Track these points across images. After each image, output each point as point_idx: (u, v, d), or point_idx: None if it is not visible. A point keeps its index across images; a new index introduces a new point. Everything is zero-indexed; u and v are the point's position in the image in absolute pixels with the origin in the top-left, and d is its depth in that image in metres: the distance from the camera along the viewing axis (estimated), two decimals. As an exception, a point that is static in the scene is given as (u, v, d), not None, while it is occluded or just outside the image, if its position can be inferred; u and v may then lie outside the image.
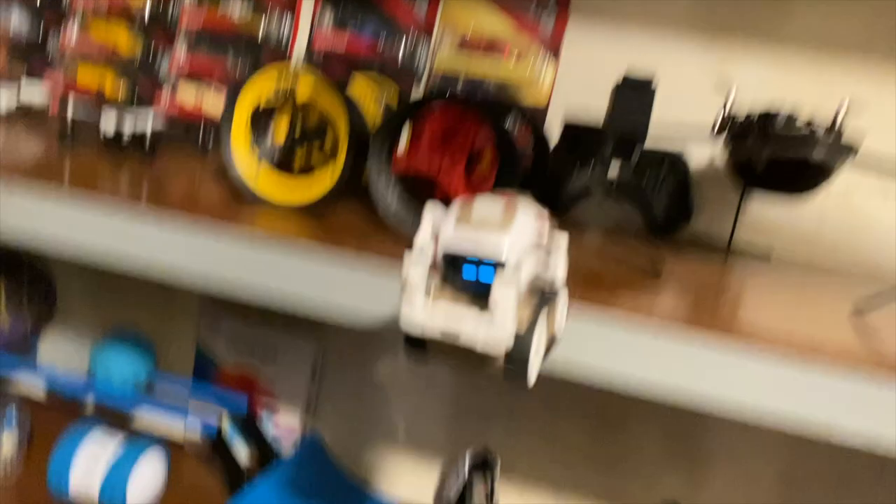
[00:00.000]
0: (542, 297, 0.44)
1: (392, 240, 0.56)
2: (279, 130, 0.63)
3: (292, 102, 0.62)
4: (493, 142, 0.59)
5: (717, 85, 0.68)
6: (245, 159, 0.62)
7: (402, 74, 0.84)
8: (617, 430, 0.86)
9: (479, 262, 0.41)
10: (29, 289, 0.89)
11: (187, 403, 0.88)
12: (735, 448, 0.83)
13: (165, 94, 0.89)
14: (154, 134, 0.75)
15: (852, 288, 0.63)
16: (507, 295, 0.40)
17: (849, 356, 0.44)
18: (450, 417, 0.93)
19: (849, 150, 0.57)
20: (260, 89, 0.61)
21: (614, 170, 0.70)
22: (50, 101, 0.88)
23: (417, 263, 0.42)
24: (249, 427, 0.89)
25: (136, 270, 0.54)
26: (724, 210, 0.75)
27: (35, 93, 0.87)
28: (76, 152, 0.72)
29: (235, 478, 0.86)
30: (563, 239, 0.47)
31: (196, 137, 0.85)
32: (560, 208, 0.73)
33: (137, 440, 0.84)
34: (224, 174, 0.63)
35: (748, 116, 0.62)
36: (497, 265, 0.41)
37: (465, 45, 0.82)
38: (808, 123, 0.58)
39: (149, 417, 0.99)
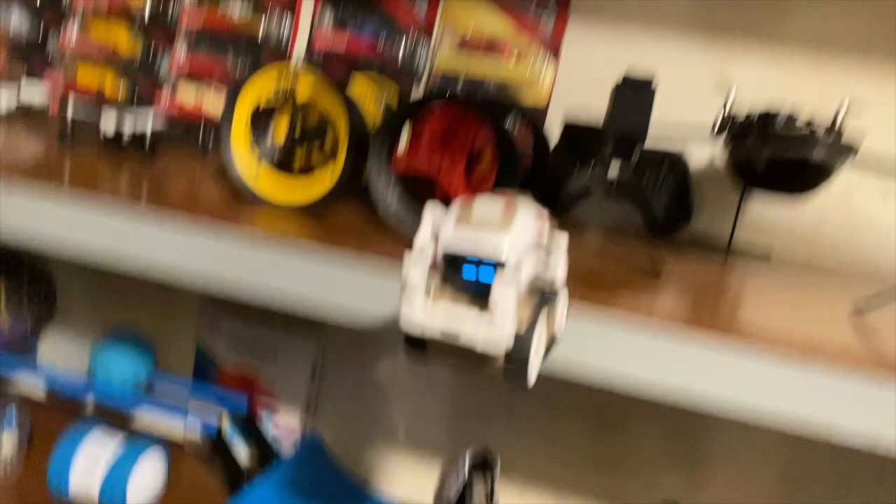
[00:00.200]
0: (542, 297, 0.44)
1: (392, 240, 0.56)
2: (279, 130, 0.63)
3: (292, 102, 0.62)
4: (493, 142, 0.60)
5: (717, 85, 0.68)
6: (245, 159, 0.62)
7: (402, 74, 0.84)
8: (617, 431, 0.86)
9: (479, 263, 0.41)
10: (29, 289, 0.89)
11: (187, 403, 0.88)
12: (735, 448, 0.83)
13: (165, 94, 0.89)
14: (154, 134, 0.75)
15: (852, 288, 0.63)
16: (507, 295, 0.40)
17: (849, 356, 0.44)
18: (450, 417, 0.93)
19: (849, 150, 0.57)
20: (260, 89, 0.61)
21: (614, 170, 0.70)
22: (50, 101, 0.88)
23: (417, 263, 0.42)
24: (249, 427, 0.89)
25: (136, 270, 0.54)
26: (724, 210, 0.75)
27: (35, 93, 0.87)
28: (76, 152, 0.72)
29: (235, 478, 0.86)
30: (563, 239, 0.47)
31: (196, 137, 0.85)
32: (560, 208, 0.73)
33: (137, 440, 0.84)
34: (224, 174, 0.63)
35: (748, 116, 0.62)
36: (497, 265, 0.41)
37: (465, 45, 0.82)
38: (808, 123, 0.58)
39: (149, 417, 0.99)
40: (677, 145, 0.70)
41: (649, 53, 0.78)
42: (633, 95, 0.68)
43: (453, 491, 0.85)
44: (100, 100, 0.81)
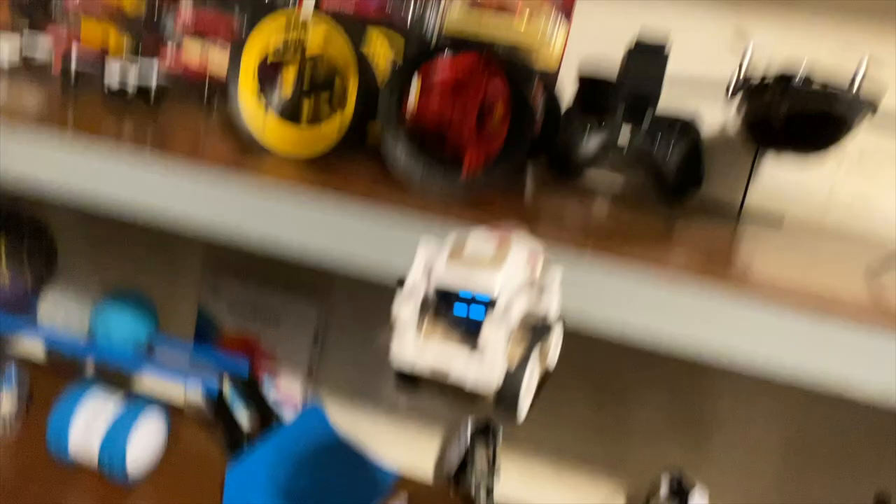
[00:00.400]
0: (534, 333, 0.44)
1: (400, 192, 0.55)
2: (287, 81, 0.62)
3: (301, 54, 0.61)
4: (506, 95, 0.58)
5: (734, 45, 0.67)
6: (252, 110, 0.61)
7: (412, 36, 0.83)
8: (620, 399, 0.86)
9: (471, 300, 0.42)
10: (29, 247, 0.88)
11: (188, 366, 0.87)
12: (738, 416, 0.82)
13: (170, 51, 0.88)
14: (158, 87, 0.74)
15: (865, 253, 0.62)
16: (496, 336, 0.41)
17: (863, 312, 0.43)
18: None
19: (869, 106, 0.56)
20: (268, 38, 0.60)
21: (625, 135, 0.69)
22: (52, 56, 0.86)
23: (408, 301, 0.43)
24: (250, 391, 0.88)
25: (140, 217, 0.53)
26: (736, 176, 0.74)
27: (38, 47, 0.85)
28: (79, 103, 0.71)
29: (236, 440, 0.86)
30: (557, 273, 0.47)
31: (201, 95, 0.83)
32: (571, 174, 0.72)
33: (137, 400, 0.83)
34: (230, 127, 0.62)
35: (764, 78, 0.61)
36: (488, 304, 0.41)
37: (476, 4, 0.81)
38: (826, 84, 0.57)
39: (149, 379, 0.99)
40: (689, 110, 0.69)
41: (663, 16, 0.76)
42: (646, 59, 0.67)
43: (455, 457, 0.85)
44: (103, 56, 0.80)
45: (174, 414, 0.90)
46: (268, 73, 0.62)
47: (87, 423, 0.80)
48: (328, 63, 0.61)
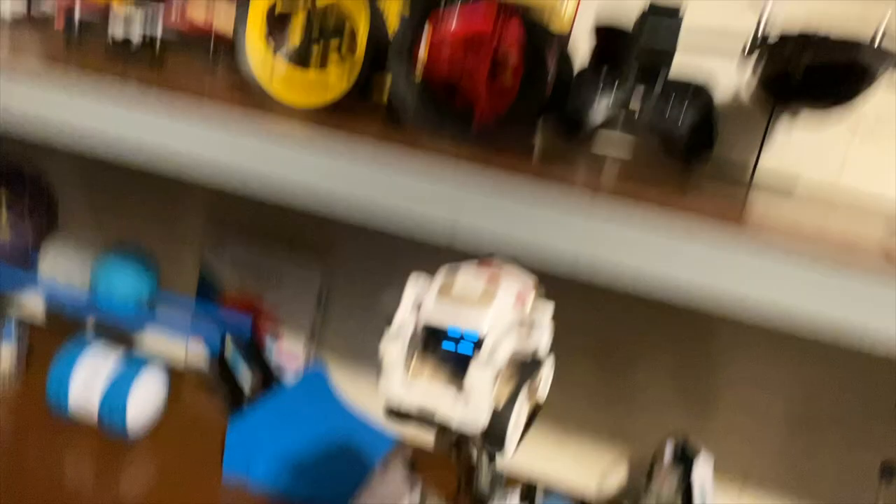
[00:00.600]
0: (523, 370, 0.44)
1: (410, 141, 0.54)
2: (296, 29, 0.61)
3: (312, 2, 0.59)
4: (520, 47, 0.57)
5: (752, 2, 0.66)
6: (260, 57, 0.60)
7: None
8: (624, 365, 0.85)
9: (459, 338, 0.42)
10: (31, 202, 0.87)
11: (190, 324, 0.86)
12: (744, 384, 0.81)
13: (176, 9, 0.86)
14: (164, 40, 0.72)
15: (880, 220, 0.61)
16: (482, 379, 0.41)
17: (878, 262, 0.42)
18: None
19: (893, 58, 0.54)
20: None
21: (637, 97, 0.68)
22: (56, 8, 0.85)
23: (395, 340, 0.44)
24: (252, 351, 0.88)
25: (142, 160, 0.52)
26: (748, 142, 0.73)
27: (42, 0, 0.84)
28: (83, 54, 0.70)
29: (237, 400, 0.85)
30: (548, 308, 0.48)
31: (207, 52, 0.82)
32: (581, 135, 0.71)
33: (138, 356, 0.83)
34: (237, 78, 0.61)
35: (782, 36, 0.59)
36: (476, 343, 0.41)
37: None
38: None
39: (150, 338, 0.98)
40: (703, 73, 0.68)
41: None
42: (660, 22, 0.66)
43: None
44: (108, 8, 0.78)
45: (175, 374, 0.89)
46: (276, 21, 0.60)
47: (87, 379, 0.79)
48: (338, 11, 0.60)
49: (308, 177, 0.49)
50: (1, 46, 0.69)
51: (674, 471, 0.76)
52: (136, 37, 0.70)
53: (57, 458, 0.78)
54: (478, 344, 0.42)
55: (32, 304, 1.03)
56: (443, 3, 0.57)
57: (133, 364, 0.81)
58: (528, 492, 0.71)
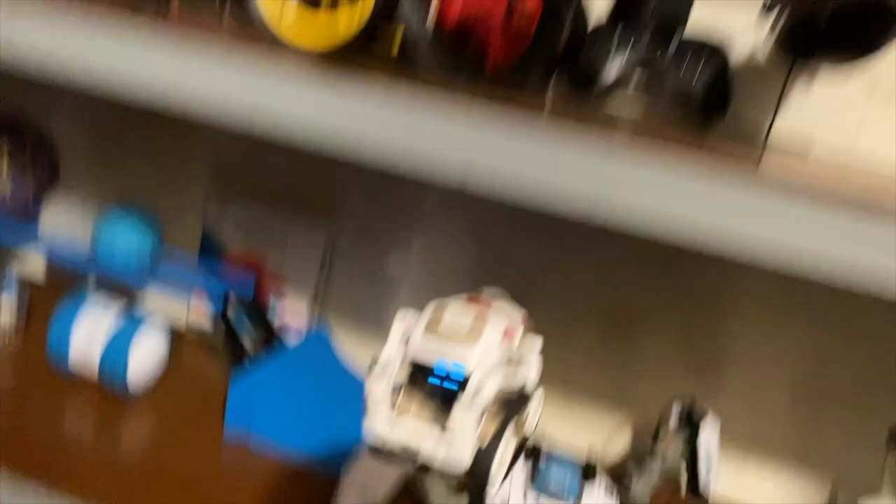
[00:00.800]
0: (510, 408, 0.44)
1: (421, 83, 0.53)
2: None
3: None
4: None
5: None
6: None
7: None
8: (631, 332, 0.84)
9: (445, 375, 0.42)
10: (32, 155, 0.86)
11: (192, 282, 0.85)
12: (752, 347, 0.81)
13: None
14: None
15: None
16: (466, 420, 0.41)
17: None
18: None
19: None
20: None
21: (652, 56, 0.67)
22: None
23: (381, 379, 0.44)
24: (255, 311, 0.87)
25: (143, 97, 0.51)
26: (764, 106, 0.72)
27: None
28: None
29: (239, 359, 0.84)
30: (536, 343, 0.48)
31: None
32: (594, 93, 0.70)
33: (139, 311, 0.82)
34: (244, 22, 0.60)
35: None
36: (461, 382, 0.42)
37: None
38: None
39: (152, 295, 0.97)
40: (718, 35, 0.67)
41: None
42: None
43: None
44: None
45: (176, 331, 0.89)
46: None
47: (88, 333, 0.78)
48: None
49: (318, 116, 0.48)
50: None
51: (679, 434, 0.75)
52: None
53: (58, 413, 0.77)
54: (463, 382, 0.42)
55: (33, 261, 1.02)
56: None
57: (134, 319, 0.80)
58: (533, 452, 0.71)
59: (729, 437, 0.79)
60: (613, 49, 0.67)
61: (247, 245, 0.93)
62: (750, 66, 0.73)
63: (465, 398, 0.42)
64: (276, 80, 0.48)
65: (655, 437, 0.76)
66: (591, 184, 0.44)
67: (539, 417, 0.50)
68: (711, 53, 0.68)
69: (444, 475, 0.46)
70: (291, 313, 0.93)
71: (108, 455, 0.73)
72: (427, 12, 0.55)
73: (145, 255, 0.83)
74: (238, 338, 0.85)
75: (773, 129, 0.70)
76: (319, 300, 0.93)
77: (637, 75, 0.72)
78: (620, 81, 0.68)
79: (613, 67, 0.68)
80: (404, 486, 0.66)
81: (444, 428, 0.43)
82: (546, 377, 0.88)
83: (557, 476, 0.67)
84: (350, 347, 0.91)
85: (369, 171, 0.87)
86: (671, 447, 0.75)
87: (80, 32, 0.51)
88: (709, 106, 0.69)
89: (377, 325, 0.93)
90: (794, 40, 0.61)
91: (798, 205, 0.41)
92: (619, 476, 0.75)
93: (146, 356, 0.79)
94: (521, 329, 0.48)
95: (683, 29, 0.66)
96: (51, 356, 0.80)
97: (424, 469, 0.46)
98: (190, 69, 0.50)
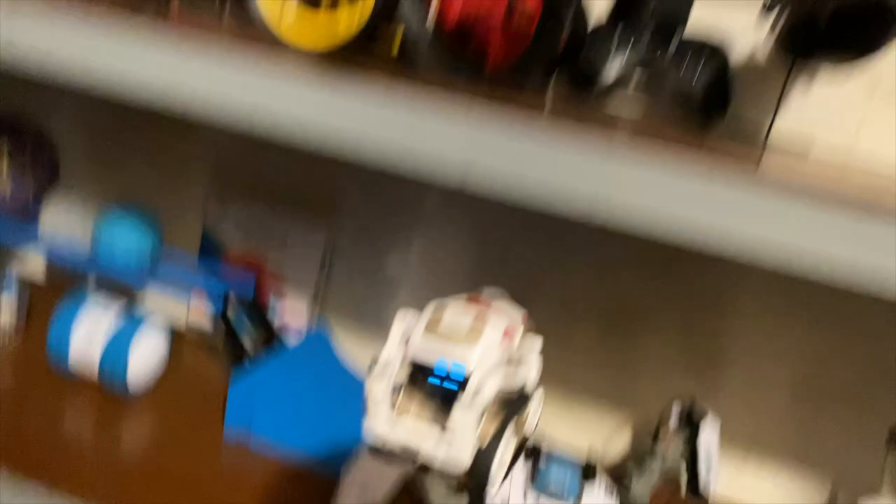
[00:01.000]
0: (510, 407, 0.44)
1: (421, 83, 0.53)
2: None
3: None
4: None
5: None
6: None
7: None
8: (631, 332, 0.84)
9: (444, 376, 0.43)
10: (32, 155, 0.86)
11: (192, 282, 0.85)
12: (752, 347, 0.81)
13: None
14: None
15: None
16: (466, 420, 0.42)
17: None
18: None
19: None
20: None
21: (652, 56, 0.67)
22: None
23: (380, 379, 0.44)
24: (255, 311, 0.87)
25: (145, 98, 0.51)
26: (763, 107, 0.72)
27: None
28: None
29: (238, 359, 0.84)
30: (536, 343, 0.49)
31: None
32: (593, 93, 0.70)
33: (139, 311, 0.82)
34: (244, 22, 0.60)
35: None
36: (461, 382, 0.42)
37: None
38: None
39: (152, 295, 0.97)
40: (718, 35, 0.67)
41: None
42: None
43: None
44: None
45: (177, 331, 0.89)
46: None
47: (88, 333, 0.78)
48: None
49: (318, 116, 0.48)
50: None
51: (679, 434, 0.75)
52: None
53: (58, 413, 0.77)
54: (463, 382, 0.42)
55: (33, 261, 1.02)
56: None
57: (134, 319, 0.80)
58: (533, 452, 0.71)
59: (729, 437, 0.79)
60: (613, 49, 0.67)
61: (247, 245, 0.93)
62: (750, 66, 0.73)
63: (464, 398, 0.42)
64: (276, 80, 0.48)
65: (655, 436, 0.76)
66: (591, 183, 0.44)
67: (539, 417, 0.50)
68: (711, 53, 0.68)
69: (444, 475, 0.46)
70: (291, 313, 0.93)
71: (108, 455, 0.72)
72: (427, 12, 0.55)
73: (145, 255, 0.83)
74: (238, 338, 0.85)
75: (772, 130, 0.70)
76: (319, 300, 0.93)
77: (637, 75, 0.72)
78: (620, 81, 0.68)
79: (613, 67, 0.68)
80: (404, 486, 0.66)
81: (444, 428, 0.43)
82: (546, 377, 0.87)
83: (557, 476, 0.67)
84: (350, 347, 0.91)
85: (369, 172, 0.87)
86: (671, 447, 0.75)
87: (79, 32, 0.51)
88: (709, 106, 0.69)
89: (377, 325, 0.93)
90: (794, 40, 0.61)
91: (798, 205, 0.41)
92: (619, 476, 0.75)
93: (146, 356, 0.79)
94: (521, 329, 0.48)
95: (683, 29, 0.66)
96: (51, 356, 0.80)
97: (424, 469, 0.46)
98: (190, 69, 0.50)
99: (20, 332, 0.88)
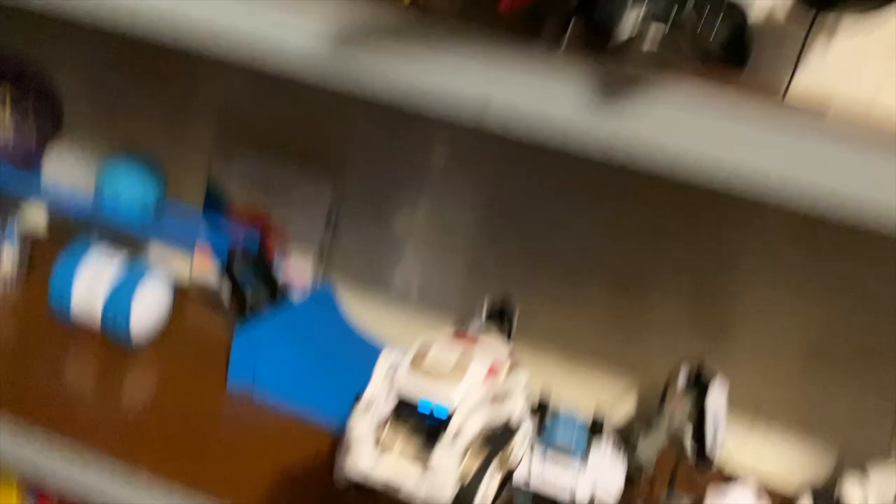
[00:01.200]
0: (495, 443, 0.45)
1: (435, 20, 0.51)
2: None
3: None
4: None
5: None
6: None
7: None
8: (639, 295, 0.83)
9: (429, 413, 0.43)
10: (35, 102, 0.84)
11: (197, 235, 0.84)
12: (761, 312, 0.79)
13: None
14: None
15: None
16: (448, 459, 0.42)
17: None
18: (467, 276, 0.89)
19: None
20: None
21: (668, 12, 0.65)
22: None
23: (364, 415, 0.45)
24: (260, 266, 0.86)
25: (147, 27, 0.50)
26: (782, 61, 0.70)
27: None
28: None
29: (242, 313, 0.84)
30: (522, 377, 0.49)
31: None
32: (610, 49, 0.68)
33: (142, 261, 0.81)
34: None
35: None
36: (444, 420, 0.43)
37: None
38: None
39: (155, 247, 0.96)
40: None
41: None
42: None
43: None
44: None
45: (180, 284, 0.88)
46: None
47: (91, 283, 0.78)
48: None
49: (332, 51, 0.47)
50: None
51: (687, 396, 0.74)
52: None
53: (59, 362, 0.77)
54: (447, 420, 0.43)
55: (35, 211, 1.01)
56: None
57: (138, 270, 0.79)
58: (540, 409, 0.70)
59: (735, 402, 0.78)
60: (630, 3, 0.66)
61: (252, 199, 0.91)
62: (769, 21, 0.72)
63: (447, 436, 0.43)
64: (285, 12, 0.47)
65: (663, 398, 0.75)
66: (613, 121, 0.43)
67: (525, 449, 0.51)
68: (730, 8, 0.66)
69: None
70: (296, 271, 0.92)
71: (109, 405, 0.72)
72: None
73: (149, 206, 0.82)
74: (242, 292, 0.84)
75: (792, 85, 0.68)
76: (325, 258, 0.92)
77: (654, 30, 0.70)
78: (637, 36, 0.67)
79: (629, 21, 0.66)
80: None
81: (426, 466, 0.44)
82: (554, 338, 0.87)
83: (565, 431, 0.66)
84: (355, 306, 0.90)
85: (377, 126, 0.86)
86: (679, 408, 0.74)
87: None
88: (727, 62, 0.67)
89: (383, 284, 0.92)
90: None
91: (823, 141, 0.40)
92: (626, 437, 0.75)
93: (149, 307, 0.79)
94: (507, 364, 0.49)
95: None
96: (53, 306, 0.79)
97: None
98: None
99: (22, 283, 0.87)
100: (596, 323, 0.86)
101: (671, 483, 0.72)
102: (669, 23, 0.66)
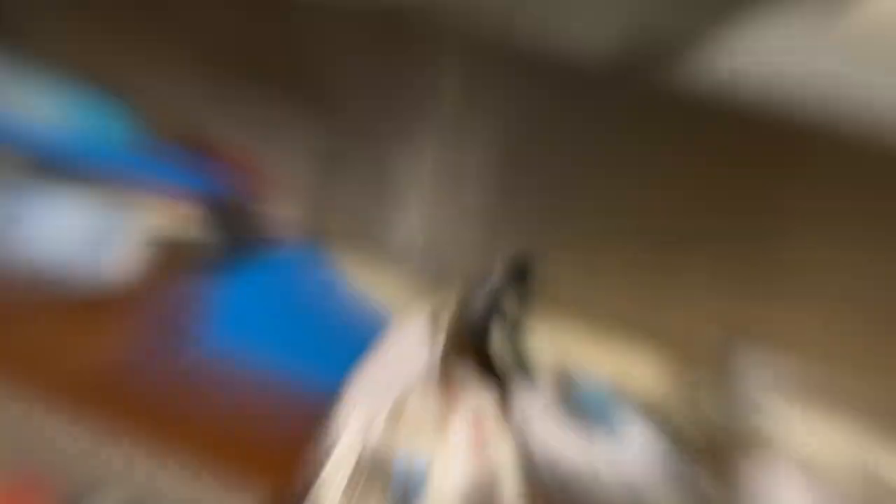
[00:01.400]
0: (482, 492, 0.43)
1: None
2: None
3: None
4: None
5: None
6: None
7: None
8: (670, 255, 0.75)
9: (405, 470, 0.41)
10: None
11: (175, 179, 0.76)
12: (811, 269, 0.71)
13: None
14: None
15: None
16: None
17: None
18: (478, 230, 0.81)
19: None
20: None
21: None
22: None
23: (336, 471, 0.43)
24: (242, 215, 0.78)
25: None
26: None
27: None
28: None
29: (221, 266, 0.75)
30: (505, 432, 0.47)
31: None
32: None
33: (115, 207, 0.72)
34: None
35: None
36: (421, 477, 0.41)
37: None
38: None
39: (130, 192, 0.87)
40: None
41: None
42: None
43: (481, 299, 0.74)
44: None
45: (156, 233, 0.79)
46: None
47: (56, 228, 0.69)
48: None
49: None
50: None
51: (725, 366, 0.67)
52: None
53: (25, 312, 0.69)
54: (424, 478, 0.41)
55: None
56: None
57: (110, 215, 0.71)
58: (562, 375, 0.62)
59: (785, 377, 0.70)
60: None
61: (236, 143, 0.82)
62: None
63: (425, 498, 0.41)
64: None
65: (701, 369, 0.67)
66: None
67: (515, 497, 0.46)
68: None
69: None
70: (282, 222, 0.83)
71: (75, 358, 0.66)
72: None
73: (122, 146, 0.74)
74: (223, 242, 0.75)
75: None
76: (314, 209, 0.83)
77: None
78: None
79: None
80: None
81: None
82: (573, 299, 0.78)
83: (589, 398, 0.59)
84: (345, 260, 0.83)
85: (375, 45, 0.76)
86: (718, 380, 0.66)
87: None
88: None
89: (375, 237, 0.84)
90: None
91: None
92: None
93: (121, 255, 0.71)
94: (491, 414, 0.47)
95: None
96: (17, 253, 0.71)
97: None
98: None
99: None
100: (618, 294, 0.78)
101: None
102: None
